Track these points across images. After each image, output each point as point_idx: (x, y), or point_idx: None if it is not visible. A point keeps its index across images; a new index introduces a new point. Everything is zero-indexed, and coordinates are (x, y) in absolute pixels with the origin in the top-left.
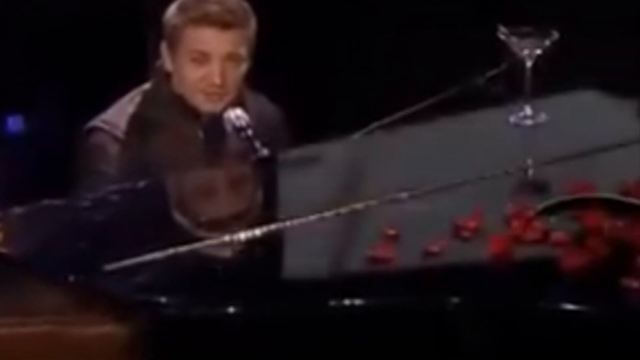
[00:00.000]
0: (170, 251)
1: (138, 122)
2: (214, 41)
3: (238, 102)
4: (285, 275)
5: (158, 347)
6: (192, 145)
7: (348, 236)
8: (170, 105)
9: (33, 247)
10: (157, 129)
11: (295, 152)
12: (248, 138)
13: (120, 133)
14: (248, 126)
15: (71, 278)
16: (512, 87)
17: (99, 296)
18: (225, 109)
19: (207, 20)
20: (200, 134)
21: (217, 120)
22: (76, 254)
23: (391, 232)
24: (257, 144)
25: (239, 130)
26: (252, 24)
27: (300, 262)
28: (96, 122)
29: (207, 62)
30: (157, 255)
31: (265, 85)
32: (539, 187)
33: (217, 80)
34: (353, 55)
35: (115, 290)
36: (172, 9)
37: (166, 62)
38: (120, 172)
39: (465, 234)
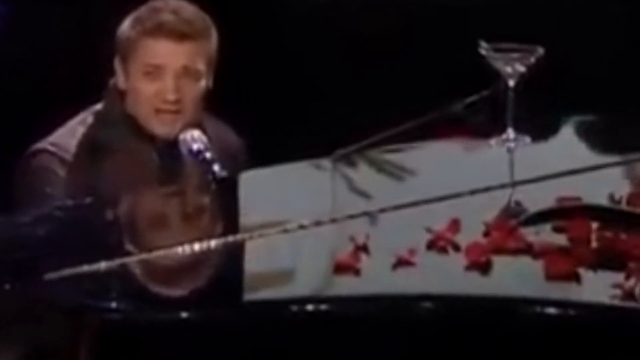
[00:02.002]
0: (116, 262)
1: (88, 144)
2: (168, 53)
3: (195, 125)
4: (242, 282)
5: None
6: (147, 169)
7: (315, 246)
8: (123, 127)
9: None
10: (109, 152)
11: None
12: (205, 161)
13: (69, 156)
14: (206, 149)
15: (7, 286)
16: (493, 115)
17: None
18: (181, 131)
19: (161, 31)
20: (156, 157)
21: (173, 142)
22: (14, 266)
23: (361, 241)
24: (216, 167)
25: (196, 153)
26: (213, 37)
27: (260, 269)
28: (42, 144)
29: (161, 76)
30: (100, 265)
31: (226, 112)
32: (519, 206)
33: (170, 96)
34: (326, 78)
35: (55, 297)
36: (126, 22)
37: (119, 79)
38: (68, 197)
39: (442, 243)
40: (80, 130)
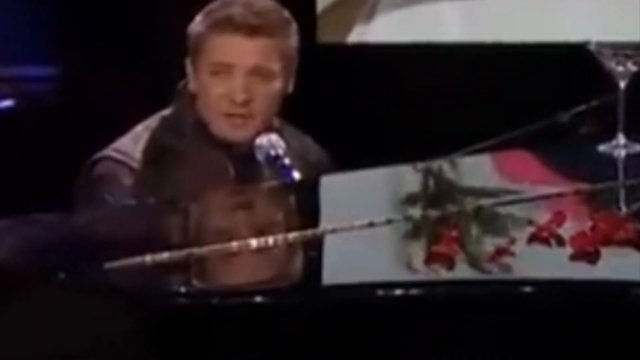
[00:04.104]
0: (183, 252)
1: (155, 151)
2: (237, 50)
3: (271, 130)
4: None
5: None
6: (220, 179)
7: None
8: (194, 133)
9: (23, 254)
10: (179, 160)
11: None
12: (283, 167)
13: (135, 163)
14: (284, 154)
15: (61, 275)
16: (602, 126)
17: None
18: (257, 136)
19: (230, 25)
20: (231, 169)
21: (249, 151)
22: (70, 258)
23: (455, 233)
24: (294, 174)
25: (273, 158)
26: (291, 35)
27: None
28: (107, 151)
29: (230, 75)
30: (166, 255)
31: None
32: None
33: (240, 96)
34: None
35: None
36: (197, 17)
37: (190, 80)
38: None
39: (544, 234)
40: (146, 136)
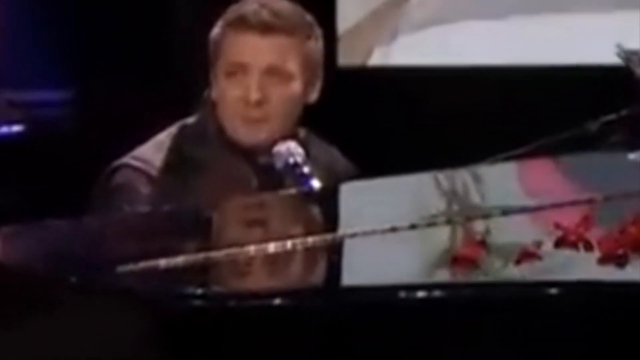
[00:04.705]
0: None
1: (177, 160)
2: (251, 49)
3: (291, 137)
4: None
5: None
6: (244, 190)
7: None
8: (216, 142)
9: (35, 258)
10: (201, 169)
11: None
12: (302, 175)
13: (155, 172)
14: (303, 162)
15: (73, 279)
16: (632, 134)
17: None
18: (275, 142)
19: (244, 24)
20: (254, 178)
21: (273, 160)
22: (82, 261)
23: (479, 237)
24: (313, 182)
25: (292, 166)
26: (313, 37)
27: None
28: (125, 159)
29: (245, 76)
30: (178, 259)
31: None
32: None
33: (253, 95)
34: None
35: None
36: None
37: (212, 87)
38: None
39: (572, 238)
40: (167, 145)
